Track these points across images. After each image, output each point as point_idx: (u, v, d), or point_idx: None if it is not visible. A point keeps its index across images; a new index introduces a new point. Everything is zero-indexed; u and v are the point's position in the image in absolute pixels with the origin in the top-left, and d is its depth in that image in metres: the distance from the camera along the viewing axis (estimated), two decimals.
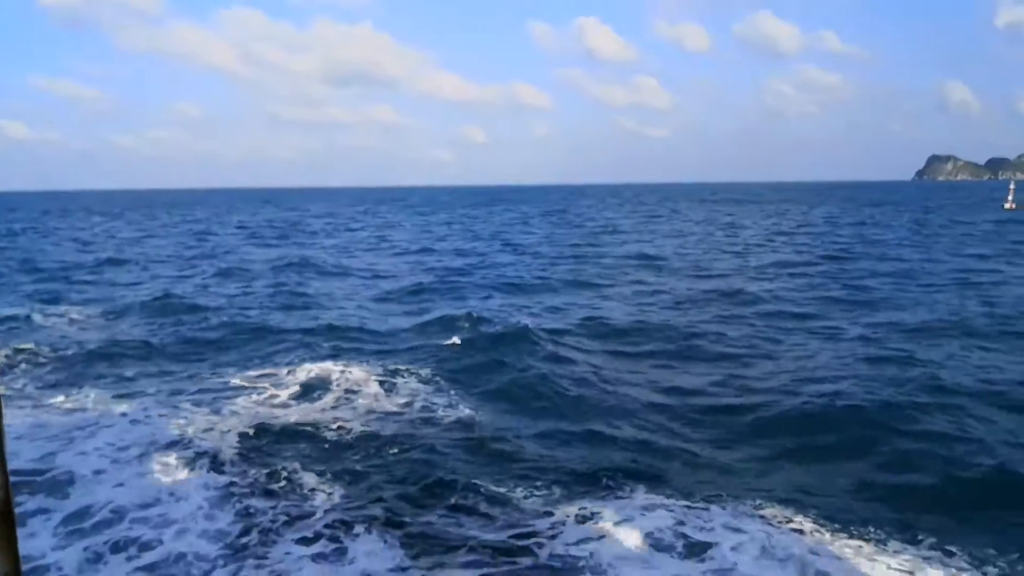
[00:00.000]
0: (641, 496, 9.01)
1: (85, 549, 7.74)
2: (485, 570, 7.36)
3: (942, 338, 17.48)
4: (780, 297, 23.93)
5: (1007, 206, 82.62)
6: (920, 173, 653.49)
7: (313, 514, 8.43)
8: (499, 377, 14.70)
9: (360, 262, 36.42)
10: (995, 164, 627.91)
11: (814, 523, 8.41)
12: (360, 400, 13.19)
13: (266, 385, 13.99)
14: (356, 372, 14.71)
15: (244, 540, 7.85)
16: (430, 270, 32.28)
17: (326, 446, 10.86)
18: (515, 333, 17.60)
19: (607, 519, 8.38)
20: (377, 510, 8.59)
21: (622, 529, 8.15)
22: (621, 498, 9.04)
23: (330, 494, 9.05)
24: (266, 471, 9.60)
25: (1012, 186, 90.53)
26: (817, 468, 10.36)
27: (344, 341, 17.86)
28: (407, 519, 8.37)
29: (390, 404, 13.09)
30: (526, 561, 7.53)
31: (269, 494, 8.98)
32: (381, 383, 14.13)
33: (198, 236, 56.09)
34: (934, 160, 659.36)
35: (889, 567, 7.41)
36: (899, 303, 22.44)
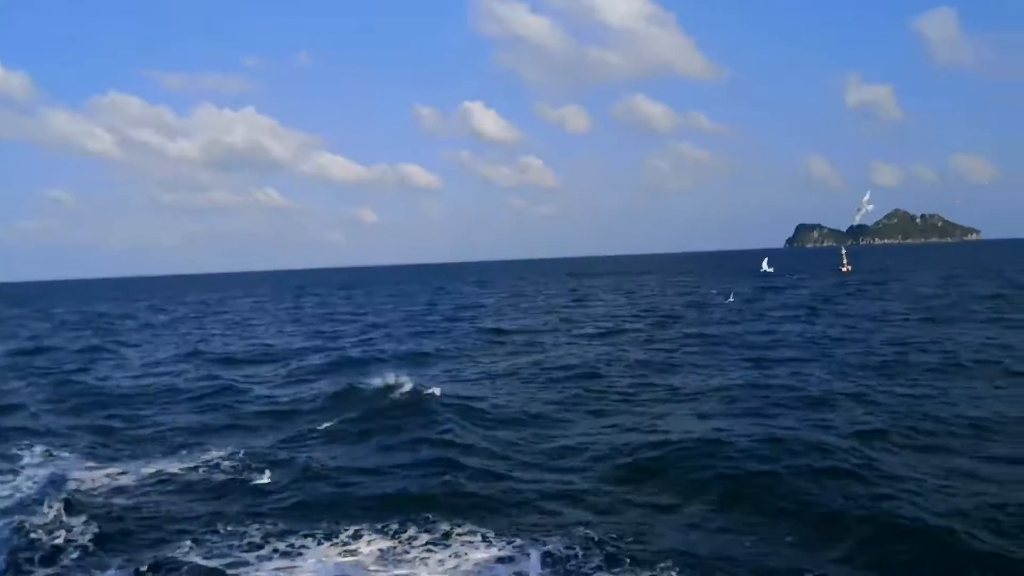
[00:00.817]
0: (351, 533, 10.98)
1: None
2: None
3: (697, 399, 20.21)
4: (586, 363, 26.56)
5: (844, 269, 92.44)
6: (790, 241, 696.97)
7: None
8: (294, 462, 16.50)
9: (212, 345, 37.36)
10: (856, 231, 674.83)
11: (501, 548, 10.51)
12: (145, 469, 14.70)
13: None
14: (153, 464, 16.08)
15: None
16: (269, 354, 33.54)
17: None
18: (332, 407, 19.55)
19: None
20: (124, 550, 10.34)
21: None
22: (335, 535, 10.94)
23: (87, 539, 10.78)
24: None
25: (844, 251, 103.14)
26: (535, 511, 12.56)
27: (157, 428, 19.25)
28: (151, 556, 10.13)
29: (178, 469, 14.65)
30: None
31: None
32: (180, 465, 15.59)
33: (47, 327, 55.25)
34: (802, 228, 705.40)
35: None
36: (678, 365, 25.55)
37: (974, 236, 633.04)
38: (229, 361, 31.82)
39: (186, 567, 9.67)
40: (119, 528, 11.79)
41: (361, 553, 10.20)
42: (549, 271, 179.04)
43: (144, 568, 9.80)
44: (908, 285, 63.56)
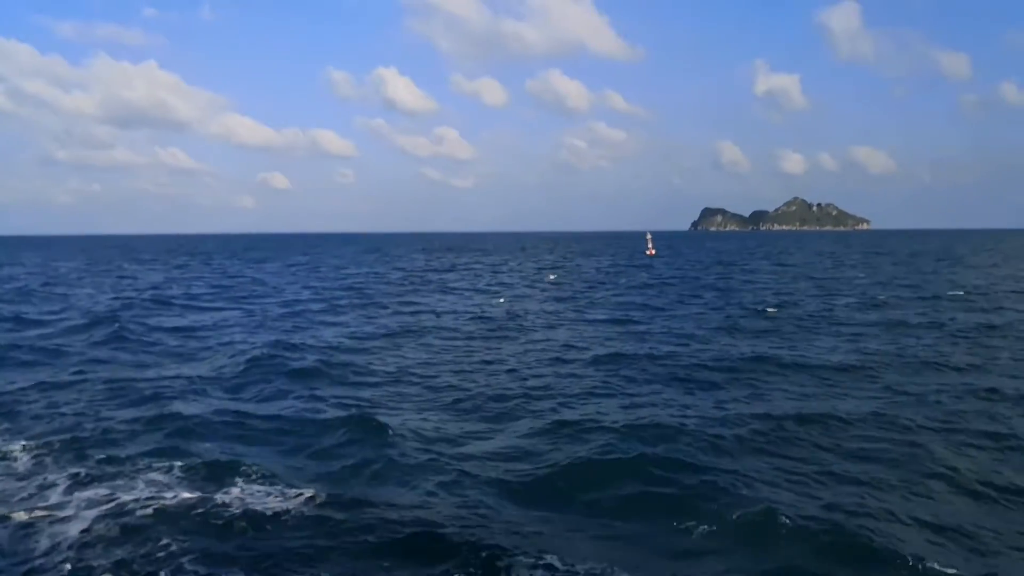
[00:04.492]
0: None
1: None
2: None
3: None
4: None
5: (648, 253, 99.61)
6: (695, 224, 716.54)
7: None
8: None
9: None
10: (757, 216, 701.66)
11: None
12: None
13: None
14: None
15: None
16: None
17: None
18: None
19: None
20: None
21: None
22: None
23: None
24: None
25: (649, 236, 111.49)
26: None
27: None
28: None
29: None
30: None
31: None
32: None
33: None
34: (707, 212, 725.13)
35: None
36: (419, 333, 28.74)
37: (864, 225, 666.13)
38: None
39: None
40: None
41: None
42: (447, 244, 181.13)
43: None
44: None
